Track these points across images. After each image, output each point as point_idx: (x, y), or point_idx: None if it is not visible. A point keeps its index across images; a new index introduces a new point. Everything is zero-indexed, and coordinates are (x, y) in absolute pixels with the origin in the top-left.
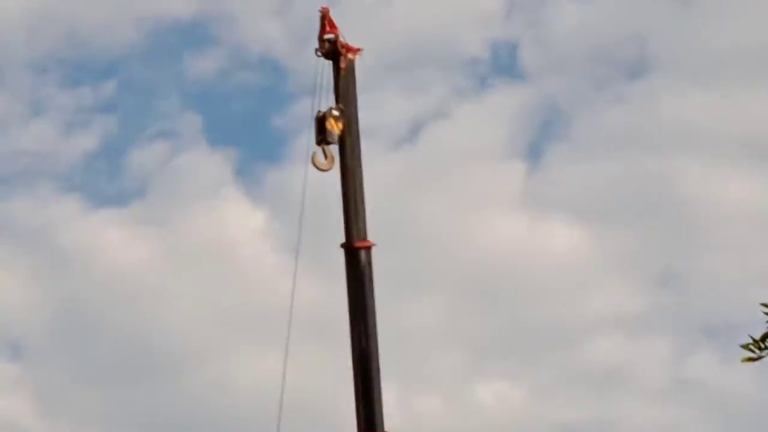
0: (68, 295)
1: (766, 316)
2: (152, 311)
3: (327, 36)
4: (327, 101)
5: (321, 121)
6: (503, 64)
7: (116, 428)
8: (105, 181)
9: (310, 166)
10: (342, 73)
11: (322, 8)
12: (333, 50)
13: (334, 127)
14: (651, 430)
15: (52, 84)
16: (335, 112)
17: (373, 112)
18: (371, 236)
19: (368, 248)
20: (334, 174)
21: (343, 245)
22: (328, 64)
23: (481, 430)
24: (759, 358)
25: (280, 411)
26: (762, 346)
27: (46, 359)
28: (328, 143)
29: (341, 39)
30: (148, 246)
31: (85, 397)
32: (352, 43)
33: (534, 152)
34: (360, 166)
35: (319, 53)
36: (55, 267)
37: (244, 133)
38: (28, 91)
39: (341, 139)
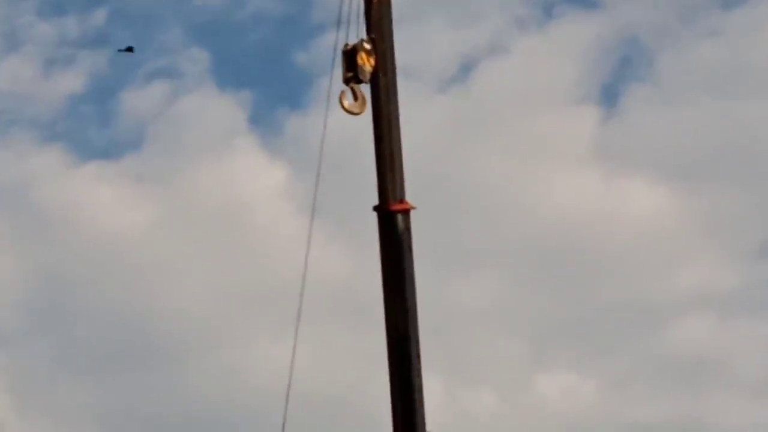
0: (49, 266)
1: None
2: (150, 286)
3: None
4: (358, 33)
5: (350, 56)
6: None
7: (106, 426)
8: (93, 130)
9: (337, 109)
10: None
11: None
12: None
13: (366, 63)
14: (747, 428)
15: (29, 12)
16: (367, 46)
17: (415, 47)
18: (411, 197)
19: (407, 211)
20: (366, 120)
21: (376, 208)
22: None
23: (540, 427)
24: None
25: (287, 405)
26: None
27: (23, 343)
28: (359, 82)
29: None
30: (144, 208)
31: (69, 389)
32: None
33: (609, 96)
34: (397, 111)
35: None
36: (33, 232)
37: (260, 73)
38: (0, 21)
39: (374, 77)
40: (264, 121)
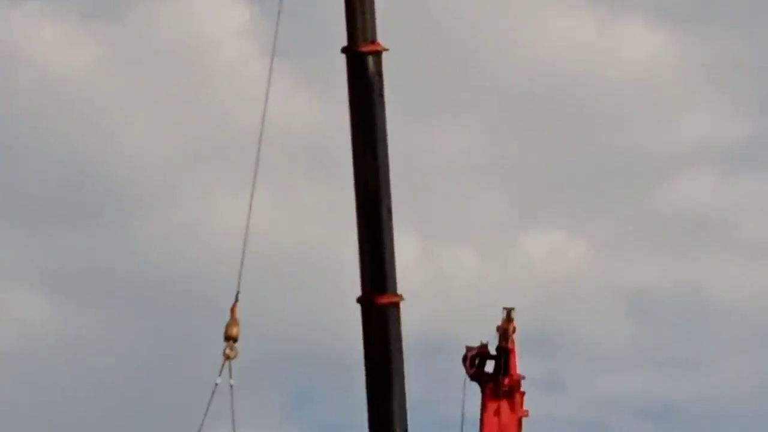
0: None
1: None
2: (97, 134)
3: None
4: None
5: None
6: None
7: (47, 285)
8: None
9: None
10: None
11: None
12: None
13: None
14: (750, 294)
15: None
16: None
17: None
18: (382, 39)
19: (378, 53)
20: None
21: (344, 49)
22: None
23: (527, 294)
24: None
25: (242, 265)
26: None
27: None
28: None
29: None
30: (93, 46)
31: (6, 245)
32: None
33: None
34: None
35: None
36: None
37: None
38: None
39: None
40: None
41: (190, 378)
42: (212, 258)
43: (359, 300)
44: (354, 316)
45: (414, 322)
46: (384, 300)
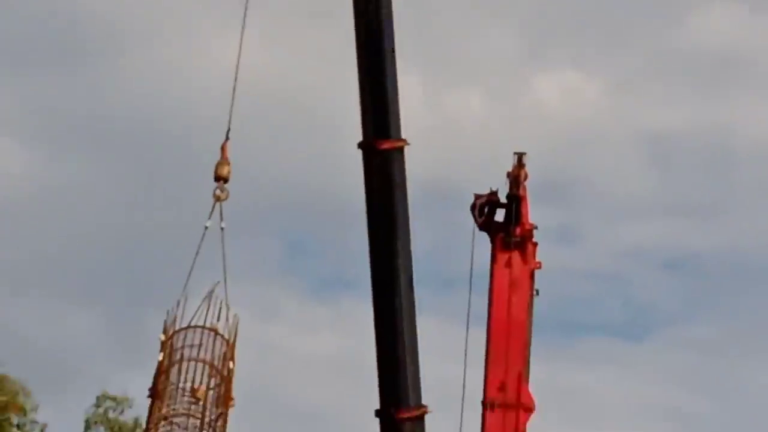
0: None
1: None
2: None
3: None
4: None
5: None
6: None
7: (24, 132)
8: None
9: None
10: None
11: None
12: None
13: None
14: None
15: None
16: None
17: None
18: None
19: None
20: None
21: None
22: None
23: (540, 139)
24: None
25: (234, 97)
26: None
27: None
28: None
29: None
30: None
31: None
32: None
33: None
34: None
35: None
36: None
37: None
38: None
39: None
40: None
41: (179, 223)
42: (200, 97)
43: (360, 145)
44: (354, 162)
45: (419, 169)
46: (387, 145)
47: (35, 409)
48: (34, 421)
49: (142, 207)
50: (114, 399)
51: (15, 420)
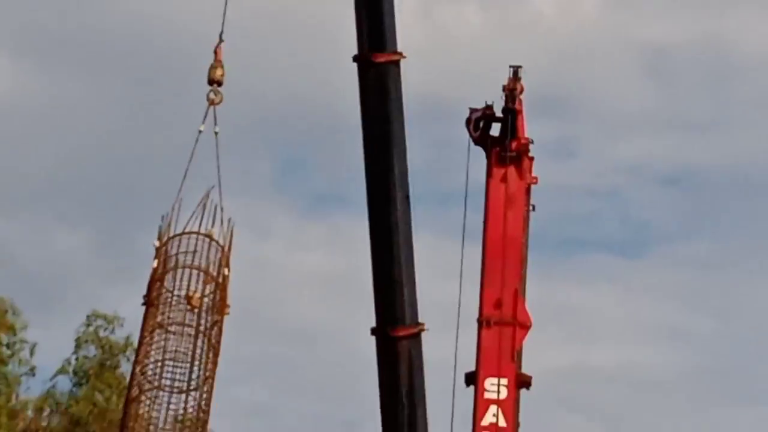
0: None
1: None
2: None
3: None
4: None
5: None
6: None
7: (16, 42)
8: None
9: None
10: None
11: None
12: None
13: None
14: None
15: None
16: None
17: None
18: None
19: None
20: None
21: None
22: None
23: (536, 52)
24: None
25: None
26: None
27: None
28: None
29: None
30: None
31: None
32: None
33: None
34: None
35: None
36: None
37: None
38: None
39: None
40: None
41: (174, 129)
42: (192, 8)
43: (356, 58)
44: (349, 76)
45: (412, 83)
46: (383, 58)
47: (25, 328)
48: (23, 340)
49: (132, 123)
50: (105, 317)
51: (4, 339)
